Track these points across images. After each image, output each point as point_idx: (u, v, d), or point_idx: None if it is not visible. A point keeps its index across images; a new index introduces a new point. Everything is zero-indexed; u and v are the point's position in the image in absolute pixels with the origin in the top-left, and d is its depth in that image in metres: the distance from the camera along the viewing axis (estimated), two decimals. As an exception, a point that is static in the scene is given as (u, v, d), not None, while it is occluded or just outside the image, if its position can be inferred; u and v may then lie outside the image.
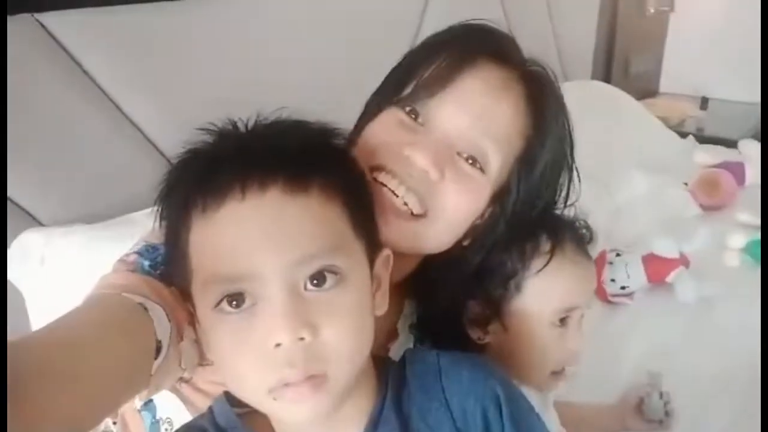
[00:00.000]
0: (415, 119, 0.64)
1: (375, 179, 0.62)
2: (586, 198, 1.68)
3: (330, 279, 0.49)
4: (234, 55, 1.24)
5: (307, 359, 0.47)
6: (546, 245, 0.71)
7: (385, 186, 0.62)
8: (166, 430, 0.67)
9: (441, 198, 0.63)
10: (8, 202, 1.00)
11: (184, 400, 0.66)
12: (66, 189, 1.06)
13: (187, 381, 0.64)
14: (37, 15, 0.99)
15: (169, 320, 0.56)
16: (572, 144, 0.71)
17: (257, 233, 0.48)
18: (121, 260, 0.61)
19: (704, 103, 2.70)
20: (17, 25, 0.96)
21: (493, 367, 0.59)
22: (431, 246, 0.67)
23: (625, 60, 2.73)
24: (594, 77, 2.52)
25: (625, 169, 1.81)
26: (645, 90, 2.88)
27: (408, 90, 0.64)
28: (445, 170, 0.62)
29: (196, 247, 0.51)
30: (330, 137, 0.57)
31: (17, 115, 0.96)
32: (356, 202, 0.54)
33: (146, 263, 0.59)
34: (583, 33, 2.44)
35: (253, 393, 0.50)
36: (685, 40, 2.93)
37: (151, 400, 0.68)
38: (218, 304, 0.49)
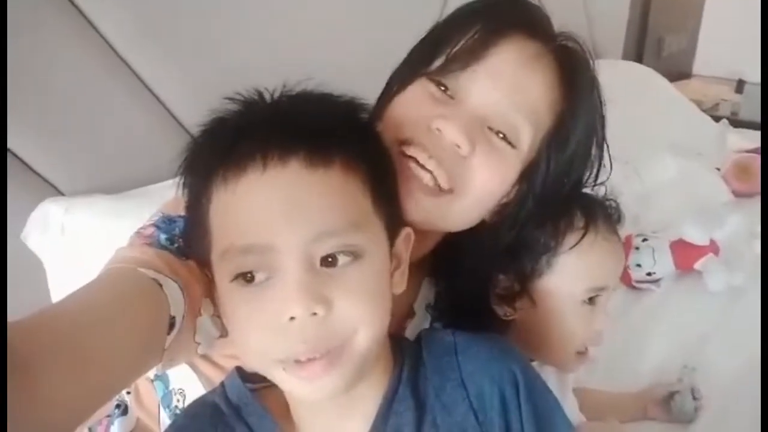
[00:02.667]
0: (445, 92, 0.62)
1: (403, 153, 0.61)
2: (614, 180, 1.64)
3: (346, 257, 0.48)
4: (255, 24, 1.22)
5: (320, 336, 0.47)
6: (580, 222, 0.71)
7: (414, 159, 0.60)
8: (179, 400, 0.68)
9: (470, 173, 0.61)
10: (30, 172, 0.99)
11: (199, 372, 0.66)
12: (87, 159, 1.05)
13: (204, 356, 0.64)
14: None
15: (184, 296, 0.56)
16: (604, 121, 0.69)
17: (276, 206, 0.47)
18: (138, 233, 0.60)
19: (740, 86, 2.62)
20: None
21: (510, 348, 0.58)
22: (457, 223, 0.65)
23: (659, 39, 2.65)
24: (626, 57, 2.44)
25: (656, 153, 1.75)
26: (678, 71, 2.80)
27: (438, 62, 0.62)
28: (476, 144, 0.60)
29: (215, 218, 0.50)
30: (355, 112, 0.55)
31: (40, 86, 0.95)
32: (379, 178, 0.53)
33: (163, 236, 0.59)
34: (616, 11, 2.36)
35: (264, 362, 0.50)
36: (722, 20, 2.83)
37: (164, 372, 0.67)
38: (235, 278, 0.49)
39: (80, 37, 1.02)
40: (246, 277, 0.48)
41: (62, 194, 1.03)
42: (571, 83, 0.64)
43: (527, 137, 0.63)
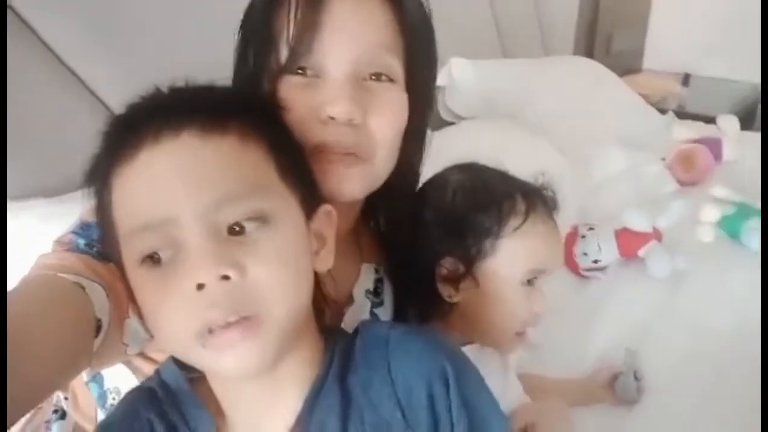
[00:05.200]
0: (306, 74, 0.62)
1: (319, 155, 0.61)
2: (564, 173, 1.67)
3: (254, 222, 0.47)
4: (198, 23, 1.20)
5: (234, 298, 0.45)
6: (522, 206, 0.75)
7: (328, 155, 0.62)
8: (114, 399, 0.66)
9: (373, 132, 0.63)
10: (-38, 176, 0.96)
11: (134, 369, 0.65)
12: (25, 162, 1.02)
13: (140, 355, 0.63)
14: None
15: (108, 298, 0.55)
16: (429, 8, 0.70)
17: (170, 177, 0.46)
18: (58, 241, 0.60)
19: (686, 79, 2.69)
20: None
21: (444, 342, 0.57)
22: (382, 176, 0.67)
23: (608, 36, 2.71)
24: (576, 53, 2.49)
25: (604, 146, 1.80)
26: (628, 67, 2.87)
27: (283, 55, 0.62)
28: (365, 106, 0.62)
29: (117, 207, 0.49)
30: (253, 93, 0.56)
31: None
32: (281, 147, 0.52)
33: (81, 242, 0.58)
34: (565, 8, 2.41)
35: (180, 343, 0.48)
36: (669, 16, 2.92)
37: (98, 373, 0.66)
38: (142, 263, 0.47)
39: (17, 39, 1.00)
40: (153, 258, 0.47)
41: (0, 199, 1.00)
42: None
43: (397, 63, 0.64)
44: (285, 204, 0.51)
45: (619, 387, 0.99)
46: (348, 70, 0.61)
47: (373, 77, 0.63)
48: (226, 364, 0.47)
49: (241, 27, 0.67)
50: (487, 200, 0.74)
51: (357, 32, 0.61)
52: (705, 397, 1.02)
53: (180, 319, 0.46)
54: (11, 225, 0.95)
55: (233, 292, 0.45)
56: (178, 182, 0.46)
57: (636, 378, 1.00)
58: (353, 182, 0.63)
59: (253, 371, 0.48)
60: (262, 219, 0.48)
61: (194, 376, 0.55)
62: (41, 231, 0.94)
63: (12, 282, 0.55)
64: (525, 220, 0.73)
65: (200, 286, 0.45)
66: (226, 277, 0.45)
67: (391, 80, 0.64)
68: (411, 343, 0.55)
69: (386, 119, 0.64)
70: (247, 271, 0.46)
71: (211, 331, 0.46)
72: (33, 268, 0.56)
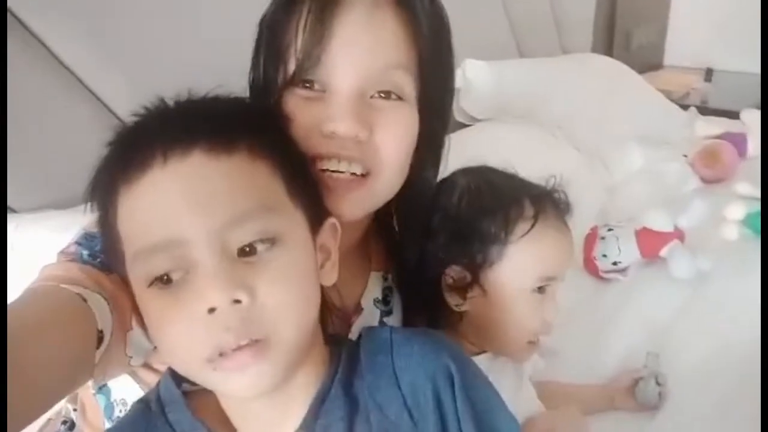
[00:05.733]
0: (313, 87, 0.62)
1: (317, 168, 0.61)
2: (581, 174, 1.64)
3: (265, 245, 0.47)
4: (205, 33, 1.21)
5: (245, 323, 0.45)
6: (530, 211, 0.72)
7: (327, 170, 0.61)
8: (121, 411, 0.66)
9: (378, 149, 0.62)
10: (-23, 188, 0.98)
11: (139, 380, 0.65)
12: (37, 175, 1.03)
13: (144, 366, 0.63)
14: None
15: (111, 309, 0.55)
16: (447, 22, 0.69)
17: (180, 198, 0.46)
18: (62, 251, 0.60)
19: (708, 74, 2.63)
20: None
21: (447, 342, 0.57)
22: (389, 193, 0.66)
23: (627, 32, 2.66)
24: (594, 50, 2.45)
25: (624, 144, 1.76)
26: (649, 63, 2.82)
27: (291, 66, 0.61)
28: (370, 123, 0.61)
29: (123, 223, 0.49)
30: (259, 107, 0.55)
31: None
32: (290, 166, 0.52)
33: (85, 252, 0.58)
34: (582, 4, 2.37)
35: (191, 365, 0.49)
36: (689, 11, 2.86)
37: (105, 384, 0.66)
38: (151, 284, 0.47)
39: (26, 51, 1.01)
40: (163, 280, 0.47)
41: (14, 211, 1.01)
42: (410, 9, 0.63)
43: (407, 82, 0.62)
44: (293, 222, 0.51)
45: (639, 392, 0.96)
46: (354, 87, 0.60)
47: (382, 95, 0.62)
48: (237, 385, 0.48)
49: (257, 37, 0.66)
50: (494, 205, 0.72)
51: (367, 49, 0.60)
52: (729, 403, 0.98)
53: (190, 343, 0.47)
54: (23, 236, 0.96)
55: (244, 315, 0.45)
56: (187, 203, 0.46)
57: (657, 383, 0.96)
58: (352, 206, 0.62)
59: (264, 391, 0.49)
60: (271, 239, 0.48)
61: (196, 389, 0.55)
62: (52, 242, 0.95)
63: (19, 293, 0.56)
64: (533, 226, 0.71)
65: (211, 310, 0.45)
66: (237, 301, 0.45)
67: (399, 98, 0.63)
68: (414, 344, 0.55)
69: (393, 138, 0.62)
70: (257, 294, 0.46)
71: (221, 354, 0.46)
72: (37, 279, 0.56)
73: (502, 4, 2.05)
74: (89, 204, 0.53)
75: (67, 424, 0.73)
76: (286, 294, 0.47)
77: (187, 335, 0.47)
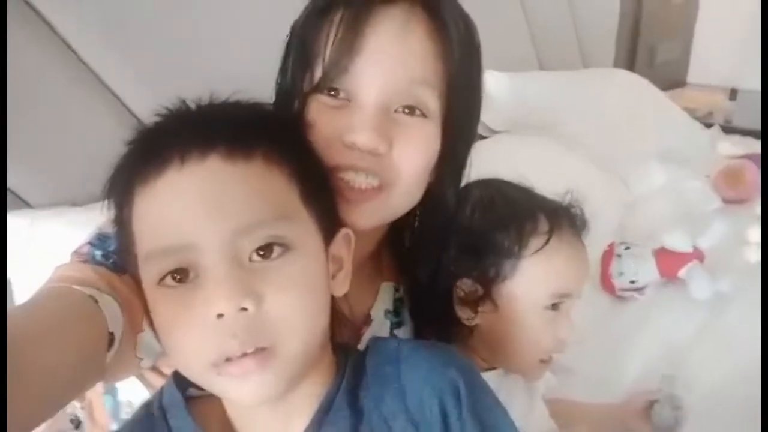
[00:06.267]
0: (338, 96, 0.61)
1: (335, 178, 0.60)
2: (600, 189, 1.62)
3: (277, 250, 0.47)
4: (228, 35, 1.21)
5: (251, 330, 0.45)
6: (544, 226, 0.71)
7: (344, 180, 0.60)
8: (127, 413, 0.66)
9: (396, 163, 0.61)
10: (-4, 184, 0.99)
11: (147, 383, 0.65)
12: (54, 170, 1.04)
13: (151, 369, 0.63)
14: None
15: (122, 311, 0.55)
16: (478, 43, 0.68)
17: (195, 201, 0.46)
18: (75, 251, 0.59)
19: (733, 94, 2.60)
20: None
21: (456, 356, 0.56)
22: (404, 207, 0.66)
23: (651, 48, 2.64)
24: (616, 66, 2.43)
25: (644, 161, 1.74)
26: (672, 80, 2.78)
27: (318, 73, 0.61)
28: (390, 137, 0.60)
29: (138, 223, 0.49)
30: (277, 113, 0.55)
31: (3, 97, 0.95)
32: (306, 173, 0.52)
33: (98, 253, 0.58)
34: (605, 20, 2.35)
35: (196, 368, 0.48)
36: (715, 28, 2.82)
37: (113, 385, 0.66)
38: (162, 279, 0.47)
39: (42, 46, 1.02)
40: (174, 278, 0.47)
41: (30, 206, 1.02)
42: (442, 26, 0.62)
43: (432, 99, 0.62)
44: (306, 230, 0.51)
45: (655, 416, 0.93)
46: (379, 100, 0.60)
47: (406, 110, 0.61)
48: (240, 392, 0.48)
49: (287, 42, 0.66)
50: (507, 218, 0.71)
51: (394, 63, 0.60)
52: (746, 427, 0.95)
53: (197, 347, 0.47)
54: (39, 231, 0.96)
55: (251, 323, 0.45)
56: (202, 208, 0.46)
57: (674, 407, 0.94)
58: (366, 215, 0.62)
59: (267, 400, 0.48)
60: (283, 246, 0.47)
61: (201, 394, 0.54)
62: (67, 238, 0.96)
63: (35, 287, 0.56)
64: (548, 241, 0.69)
65: (219, 316, 0.45)
66: (244, 309, 0.45)
67: (423, 115, 0.62)
68: (421, 357, 0.54)
69: (411, 153, 0.62)
70: (264, 301, 0.46)
71: (228, 359, 0.46)
72: (49, 280, 0.56)
73: (524, 16, 2.04)
74: (106, 202, 0.53)
75: (74, 423, 0.73)
76: (293, 303, 0.47)
77: (194, 339, 0.46)
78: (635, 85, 2.14)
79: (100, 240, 0.59)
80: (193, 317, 0.46)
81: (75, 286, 0.53)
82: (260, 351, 0.46)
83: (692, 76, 2.97)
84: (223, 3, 1.22)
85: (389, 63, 0.59)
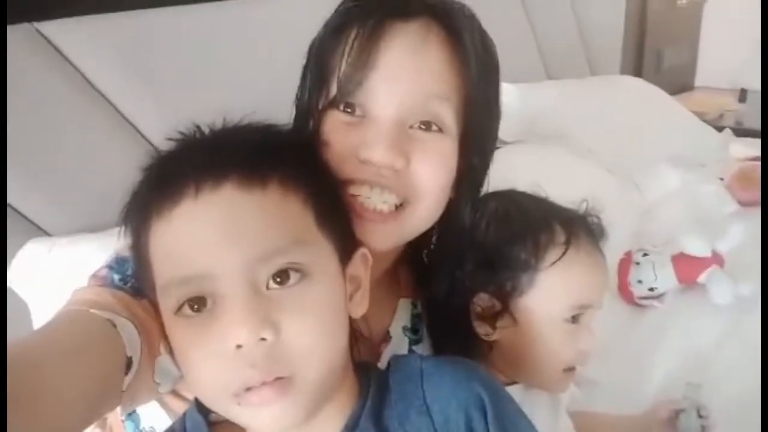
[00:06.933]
0: (354, 112, 0.61)
1: (348, 194, 0.60)
2: (614, 197, 1.60)
3: (294, 276, 0.47)
4: (241, 62, 1.23)
5: (270, 360, 0.45)
6: (561, 237, 0.70)
7: (359, 196, 0.60)
8: (149, 439, 0.65)
9: (415, 179, 0.61)
10: (14, 212, 1.00)
11: (167, 408, 0.64)
12: (72, 199, 1.05)
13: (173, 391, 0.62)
14: (36, 24, 1.00)
15: (140, 335, 0.54)
16: (496, 59, 0.68)
17: (211, 231, 0.46)
18: (94, 275, 0.59)
19: (743, 95, 2.58)
20: (17, 34, 0.96)
21: (478, 370, 0.55)
22: (424, 226, 0.65)
23: (657, 53, 2.64)
24: (624, 72, 2.43)
25: (656, 166, 1.73)
26: (680, 84, 2.78)
27: (333, 89, 0.61)
28: (408, 153, 0.59)
29: (155, 252, 0.49)
30: (291, 134, 0.55)
31: (22, 126, 0.96)
32: (321, 197, 0.52)
33: (116, 277, 0.58)
34: (611, 25, 2.35)
35: (216, 398, 0.49)
36: (721, 30, 2.82)
37: (134, 411, 0.66)
38: (179, 308, 0.47)
39: (62, 76, 1.04)
40: (192, 308, 0.47)
41: (48, 234, 1.03)
42: (458, 39, 0.62)
43: (449, 114, 0.61)
44: (322, 254, 0.50)
45: (681, 425, 0.92)
46: (395, 116, 0.59)
47: (422, 126, 0.61)
48: (260, 421, 0.48)
49: (305, 61, 0.66)
50: (523, 230, 0.69)
51: (410, 77, 0.59)
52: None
53: (216, 377, 0.47)
54: (58, 259, 0.97)
55: (270, 352, 0.45)
56: (219, 238, 0.46)
57: (700, 415, 0.92)
58: (384, 238, 0.61)
59: (288, 428, 0.48)
60: (300, 272, 0.47)
61: (225, 419, 0.54)
62: (87, 265, 0.97)
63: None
64: (565, 252, 0.68)
65: (239, 347, 0.45)
66: (263, 339, 0.45)
67: (440, 130, 0.62)
68: (445, 373, 0.54)
69: (429, 169, 0.61)
70: (282, 330, 0.46)
71: (248, 388, 0.46)
72: (67, 303, 0.56)
73: (529, 27, 2.05)
74: (122, 229, 0.54)
75: (96, 450, 0.72)
76: (311, 330, 0.47)
77: (213, 369, 0.47)
78: (643, 90, 2.14)
79: (118, 263, 0.59)
80: (212, 347, 0.46)
81: (93, 310, 0.53)
82: (279, 380, 0.46)
83: (700, 80, 2.96)
84: (241, 35, 1.24)
85: (404, 78, 0.59)
